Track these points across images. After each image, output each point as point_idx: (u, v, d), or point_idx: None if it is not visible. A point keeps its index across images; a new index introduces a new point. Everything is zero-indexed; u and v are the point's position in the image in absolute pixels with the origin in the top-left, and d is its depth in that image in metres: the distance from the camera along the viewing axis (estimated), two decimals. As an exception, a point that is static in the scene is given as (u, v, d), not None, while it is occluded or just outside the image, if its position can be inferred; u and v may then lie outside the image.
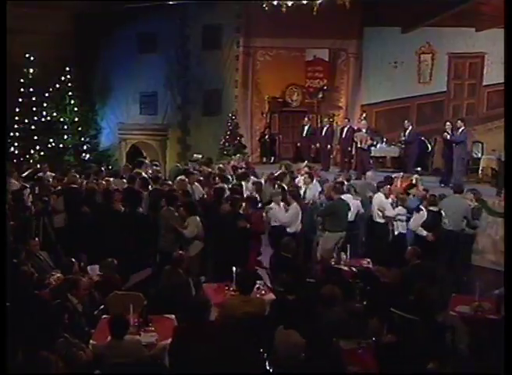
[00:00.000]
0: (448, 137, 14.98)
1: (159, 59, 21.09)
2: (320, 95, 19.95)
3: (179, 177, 12.56)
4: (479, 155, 16.78)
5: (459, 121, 15.29)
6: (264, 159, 19.72)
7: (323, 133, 18.05)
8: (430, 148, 17.40)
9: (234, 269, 8.10)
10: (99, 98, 22.08)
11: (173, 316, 7.22)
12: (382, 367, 5.93)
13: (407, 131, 16.48)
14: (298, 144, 19.28)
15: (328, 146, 17.94)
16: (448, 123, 15.48)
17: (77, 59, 20.31)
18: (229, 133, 19.66)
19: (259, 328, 6.57)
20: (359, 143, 16.56)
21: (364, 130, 16.55)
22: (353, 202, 11.37)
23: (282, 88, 20.04)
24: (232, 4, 19.46)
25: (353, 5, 15.96)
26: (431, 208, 10.90)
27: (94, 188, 11.56)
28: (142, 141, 22.27)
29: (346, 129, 17.58)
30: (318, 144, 18.25)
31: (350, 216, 11.13)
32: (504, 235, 6.89)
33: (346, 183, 12.08)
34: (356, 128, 17.24)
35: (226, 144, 19.59)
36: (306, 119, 18.86)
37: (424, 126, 18.17)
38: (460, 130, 15.00)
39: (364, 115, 17.92)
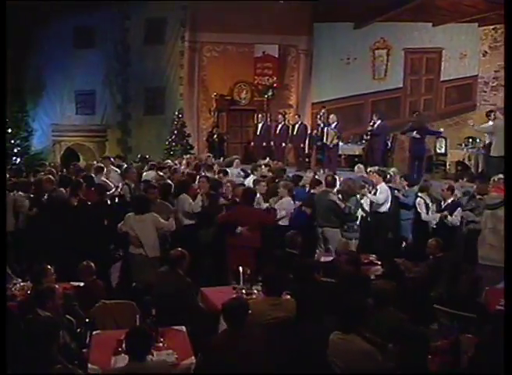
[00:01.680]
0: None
1: (97, 55, 19.89)
2: (269, 93, 19.43)
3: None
4: (443, 150, 16.17)
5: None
6: (213, 160, 18.50)
7: (277, 132, 17.31)
8: (390, 145, 16.74)
9: (241, 268, 6.91)
10: (30, 97, 20.42)
11: (183, 328, 5.90)
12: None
13: (376, 124, 15.65)
14: (252, 144, 18.61)
15: (283, 144, 17.17)
16: None
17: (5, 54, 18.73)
18: (175, 132, 18.72)
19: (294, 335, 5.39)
20: (325, 139, 15.73)
21: (333, 126, 15.69)
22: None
23: (230, 86, 19.42)
24: (177, -5, 18.63)
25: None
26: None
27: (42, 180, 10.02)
28: (78, 143, 20.77)
29: (297, 126, 16.91)
30: (272, 143, 17.49)
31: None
32: (504, 235, 6.45)
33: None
34: (320, 125, 16.56)
35: (173, 144, 18.61)
36: (260, 116, 18.25)
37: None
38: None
39: (323, 110, 17.14)
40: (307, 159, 17.18)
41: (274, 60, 19.43)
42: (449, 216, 9.70)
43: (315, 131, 16.65)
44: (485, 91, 17.06)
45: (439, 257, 7.53)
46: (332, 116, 15.88)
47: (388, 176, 11.56)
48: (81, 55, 19.76)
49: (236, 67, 19.29)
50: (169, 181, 10.49)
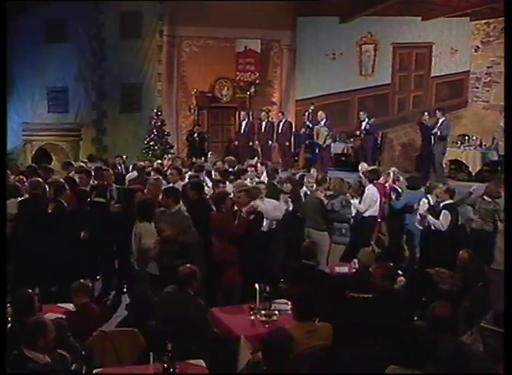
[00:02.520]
0: None
1: (70, 50, 18.96)
2: (252, 90, 18.78)
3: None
4: None
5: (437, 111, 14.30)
6: (194, 160, 17.72)
7: (262, 130, 16.72)
8: (379, 144, 16.18)
9: (258, 285, 6.11)
10: (-1, 94, 19.42)
11: (202, 363, 5.02)
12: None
13: (364, 122, 15.12)
14: (234, 143, 18.00)
15: (269, 143, 16.63)
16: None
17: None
18: (154, 131, 17.87)
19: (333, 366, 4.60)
20: (315, 138, 15.12)
21: (322, 123, 15.08)
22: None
23: (211, 82, 18.67)
24: (155, -12, 17.94)
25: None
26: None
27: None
28: (51, 142, 19.77)
29: (282, 124, 16.43)
30: (257, 142, 16.98)
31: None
32: (504, 234, 6.45)
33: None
34: (308, 123, 16.09)
35: (152, 143, 17.75)
36: (243, 113, 17.64)
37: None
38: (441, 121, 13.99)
39: (312, 107, 16.52)
40: (295, 158, 16.72)
41: (256, 55, 18.81)
42: (429, 217, 9.07)
43: (303, 130, 16.05)
44: (478, 87, 16.51)
45: (468, 268, 6.80)
46: (320, 112, 15.28)
47: (391, 175, 10.98)
48: (53, 50, 18.88)
49: (217, 63, 18.60)
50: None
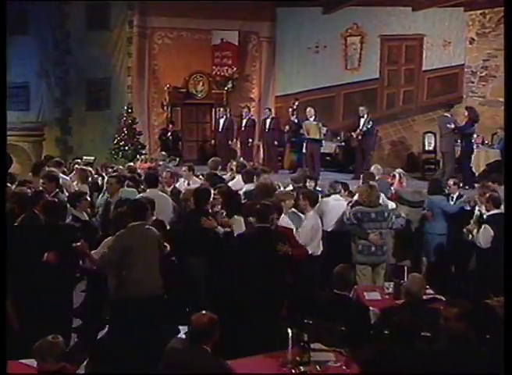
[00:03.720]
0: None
1: (31, 42, 17.69)
2: (229, 85, 17.82)
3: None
4: (432, 147, 14.60)
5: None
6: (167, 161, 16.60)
7: (243, 128, 15.79)
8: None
9: (290, 331, 4.70)
10: (-47, 90, 18.01)
11: None
12: None
13: (363, 119, 14.03)
14: (212, 142, 17.08)
15: (250, 141, 15.76)
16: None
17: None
18: (124, 130, 16.77)
19: None
20: (306, 135, 14.09)
21: (312, 119, 14.07)
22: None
23: (185, 77, 17.74)
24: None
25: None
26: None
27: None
28: (11, 143, 18.16)
29: (269, 121, 15.45)
30: (236, 141, 16.20)
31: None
32: (504, 235, 5.90)
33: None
34: (294, 119, 15.21)
35: (122, 143, 16.63)
36: (221, 110, 16.75)
37: (353, 119, 15.60)
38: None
39: (296, 103, 15.53)
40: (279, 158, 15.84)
41: (233, 48, 17.79)
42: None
43: (287, 127, 15.04)
44: (473, 82, 15.65)
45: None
46: (309, 109, 14.29)
47: (397, 177, 10.11)
48: (12, 43, 17.12)
49: (192, 56, 17.68)
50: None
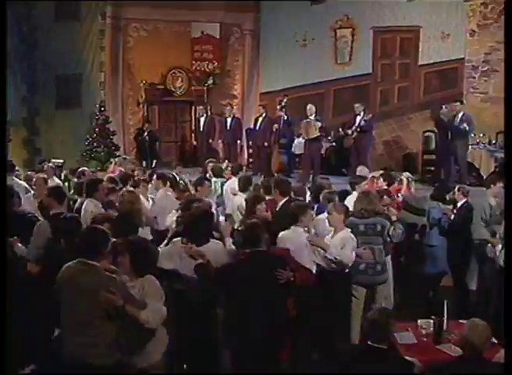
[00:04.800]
0: None
1: (-6, 36, 16.46)
2: (210, 81, 17.31)
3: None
4: (432, 146, 13.84)
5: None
6: (144, 163, 15.79)
7: (227, 127, 14.97)
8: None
9: None
10: None
11: None
12: None
13: (360, 117, 13.11)
14: (194, 143, 16.41)
15: (239, 142, 15.16)
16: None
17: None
18: (96, 130, 16.01)
19: None
20: (304, 134, 13.32)
21: (312, 117, 13.19)
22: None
23: (163, 72, 17.10)
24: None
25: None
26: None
27: None
28: (-26, 144, 17.20)
29: (261, 119, 14.62)
30: (220, 141, 15.38)
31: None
32: (504, 236, 6.01)
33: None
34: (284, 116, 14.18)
35: (94, 144, 15.87)
36: (201, 108, 16.16)
37: (344, 117, 15.01)
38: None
39: (285, 100, 14.58)
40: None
41: (215, 42, 17.31)
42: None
43: (276, 126, 14.09)
44: (474, 77, 14.56)
45: None
46: (310, 106, 13.46)
47: (405, 181, 9.10)
48: (-27, 37, 16.41)
49: (170, 50, 16.95)
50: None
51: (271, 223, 6.51)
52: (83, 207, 7.40)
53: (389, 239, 7.01)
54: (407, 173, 9.77)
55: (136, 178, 9.49)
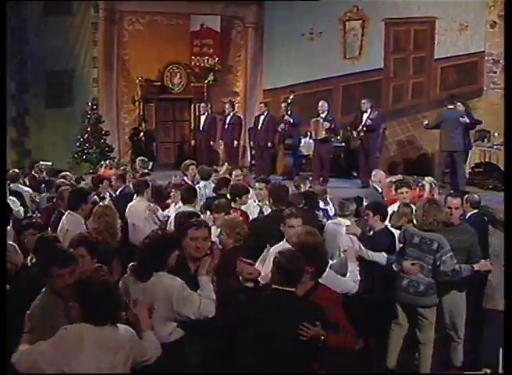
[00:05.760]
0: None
1: (-19, 30, 15.92)
2: (210, 77, 16.64)
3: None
4: None
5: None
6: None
7: (226, 125, 14.30)
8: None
9: None
10: None
11: None
12: None
13: (366, 115, 12.24)
14: (192, 143, 15.65)
15: (236, 142, 14.28)
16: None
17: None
18: (89, 130, 15.41)
19: None
20: (313, 134, 12.62)
21: (323, 116, 12.39)
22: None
23: (160, 68, 16.52)
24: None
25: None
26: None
27: None
28: (-40, 145, 16.46)
29: (263, 118, 13.86)
30: (221, 141, 14.71)
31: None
32: (504, 236, 5.33)
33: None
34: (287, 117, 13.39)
35: (86, 145, 15.23)
36: (202, 105, 15.30)
37: (353, 115, 13.86)
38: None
39: (291, 97, 13.77)
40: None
41: (215, 35, 16.68)
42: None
43: (282, 125, 13.36)
44: (495, 72, 13.60)
45: None
46: (322, 102, 12.67)
47: (427, 187, 8.15)
48: (-40, 32, 15.78)
49: (167, 44, 16.40)
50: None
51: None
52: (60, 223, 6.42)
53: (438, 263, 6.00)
54: (430, 177, 8.77)
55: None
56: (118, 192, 9.08)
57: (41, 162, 13.53)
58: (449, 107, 11.58)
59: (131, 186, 8.87)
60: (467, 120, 11.24)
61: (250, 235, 5.56)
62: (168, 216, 7.24)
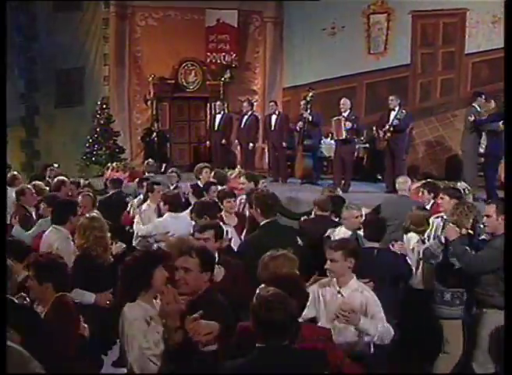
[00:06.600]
0: None
1: (-10, 27, 15.81)
2: (227, 75, 16.27)
3: None
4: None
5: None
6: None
7: (242, 125, 13.63)
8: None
9: None
10: None
11: None
12: None
13: (395, 113, 11.42)
14: (207, 144, 14.97)
15: (251, 144, 13.56)
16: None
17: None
18: (98, 130, 15.01)
19: None
20: (335, 134, 11.87)
21: (345, 114, 11.66)
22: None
23: (174, 65, 16.18)
24: None
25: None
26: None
27: None
28: (-35, 146, 16.21)
29: (275, 117, 13.30)
30: (237, 141, 14.21)
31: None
32: (504, 236, 5.18)
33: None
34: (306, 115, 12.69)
35: (95, 146, 14.83)
36: (218, 103, 14.66)
37: (379, 114, 13.17)
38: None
39: (310, 94, 13.09)
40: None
41: (232, 31, 16.26)
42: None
43: (300, 123, 12.68)
44: (531, 67, 12.83)
45: None
46: (343, 100, 11.94)
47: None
48: (-32, 29, 15.63)
49: (182, 40, 16.03)
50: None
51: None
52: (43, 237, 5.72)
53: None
54: (464, 183, 8.00)
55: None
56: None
57: (55, 165, 13.35)
58: (472, 105, 10.94)
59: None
60: (472, 118, 10.62)
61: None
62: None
